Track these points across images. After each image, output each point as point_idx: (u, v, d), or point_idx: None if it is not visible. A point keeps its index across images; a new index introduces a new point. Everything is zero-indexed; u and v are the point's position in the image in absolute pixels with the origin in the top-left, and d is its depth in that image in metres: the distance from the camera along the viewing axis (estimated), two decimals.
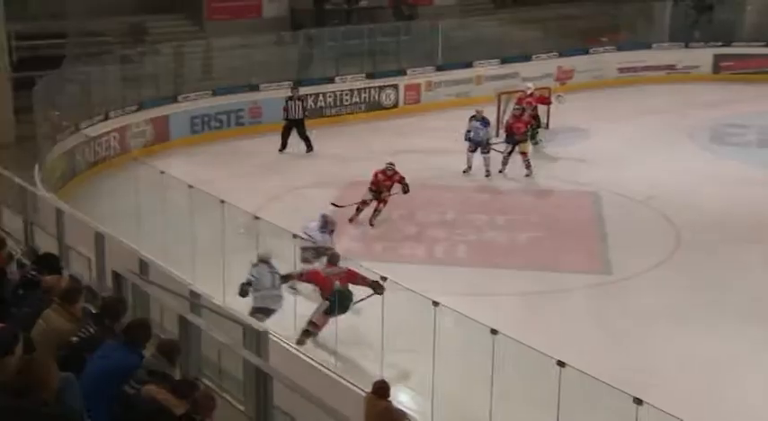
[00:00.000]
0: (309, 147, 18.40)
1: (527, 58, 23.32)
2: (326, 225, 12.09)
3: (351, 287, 10.26)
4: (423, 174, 16.86)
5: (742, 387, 9.68)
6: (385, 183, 14.60)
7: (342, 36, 21.97)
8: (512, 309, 11.52)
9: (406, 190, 14.53)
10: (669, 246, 13.47)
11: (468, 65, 22.57)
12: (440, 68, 22.32)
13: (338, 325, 10.03)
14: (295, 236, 10.41)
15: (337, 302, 10.18)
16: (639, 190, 15.73)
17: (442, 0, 25.59)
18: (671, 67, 24.79)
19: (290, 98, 18.70)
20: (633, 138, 19.27)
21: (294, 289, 10.97)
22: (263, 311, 10.36)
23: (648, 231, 14.20)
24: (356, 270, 10.46)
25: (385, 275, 9.55)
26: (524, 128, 16.90)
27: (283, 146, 18.39)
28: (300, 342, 10.12)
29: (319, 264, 10.89)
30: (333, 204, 13.62)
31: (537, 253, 13.40)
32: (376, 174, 14.55)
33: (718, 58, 24.84)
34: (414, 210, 14.95)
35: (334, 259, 10.68)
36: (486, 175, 16.70)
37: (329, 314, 10.30)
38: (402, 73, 21.89)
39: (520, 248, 13.71)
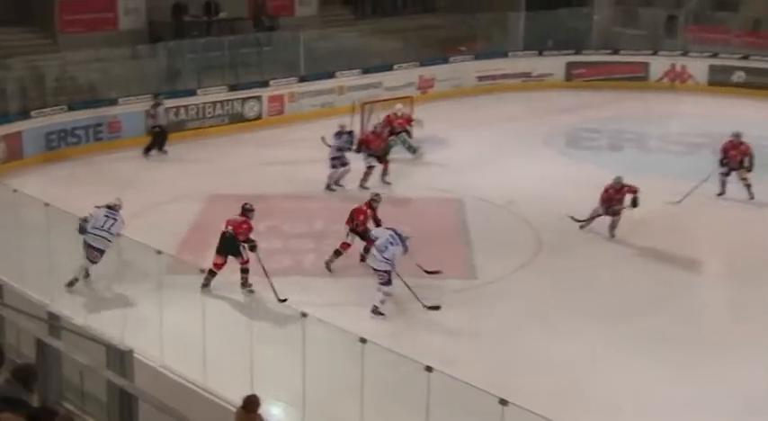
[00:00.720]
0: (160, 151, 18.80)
1: (389, 68, 23.62)
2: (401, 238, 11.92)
3: None
4: (288, 185, 16.84)
5: (603, 386, 10.00)
6: (364, 220, 13.19)
7: (202, 48, 21.70)
8: (381, 317, 11.59)
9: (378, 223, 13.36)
10: (531, 250, 13.83)
11: (331, 75, 22.70)
12: (303, 79, 22.36)
13: (207, 340, 9.86)
14: (159, 251, 10.18)
15: (222, 243, 12.14)
16: (500, 195, 16.08)
17: (303, 11, 25.49)
18: (526, 75, 25.61)
19: (157, 104, 18.88)
20: (493, 144, 19.74)
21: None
22: (87, 246, 11.85)
23: (511, 235, 14.53)
24: (247, 227, 12.21)
25: (251, 289, 9.44)
26: (382, 143, 17.09)
27: (148, 150, 18.66)
28: (205, 284, 11.64)
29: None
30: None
31: (405, 260, 13.45)
32: (362, 211, 13.18)
33: (569, 65, 25.84)
34: (280, 222, 14.84)
35: (244, 209, 12.49)
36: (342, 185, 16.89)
37: (219, 254, 12.12)
38: (265, 84, 21.80)
39: None
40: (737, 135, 16.48)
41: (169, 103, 19.96)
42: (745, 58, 25.04)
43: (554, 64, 25.76)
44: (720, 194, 16.30)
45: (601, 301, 12.13)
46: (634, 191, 14.21)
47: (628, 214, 14.66)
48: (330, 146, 16.29)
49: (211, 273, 11.92)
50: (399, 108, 18.96)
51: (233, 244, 12.12)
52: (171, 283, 10.91)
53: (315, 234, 14.54)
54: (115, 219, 12.07)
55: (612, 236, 14.28)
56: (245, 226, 12.25)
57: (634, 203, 14.28)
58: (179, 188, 16.58)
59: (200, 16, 23.20)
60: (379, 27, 25.47)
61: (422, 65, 24.26)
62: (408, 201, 16.38)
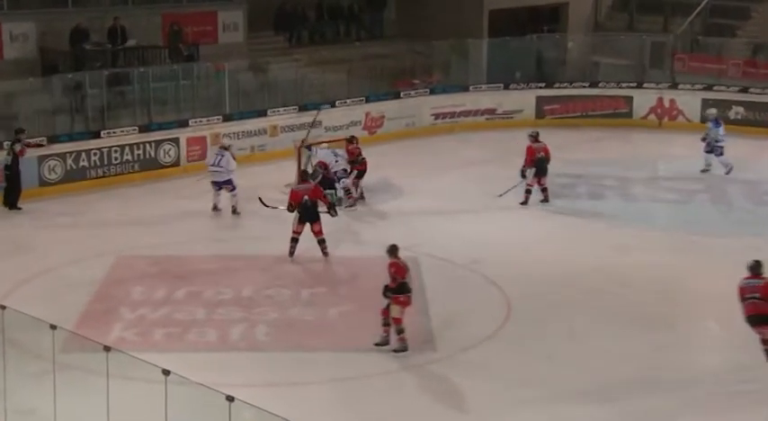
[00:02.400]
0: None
1: (330, 105, 23.72)
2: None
3: None
4: (212, 243, 16.88)
5: None
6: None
7: (107, 82, 21.60)
8: (322, 398, 11.59)
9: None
10: (498, 317, 13.86)
11: (262, 113, 22.71)
12: (228, 118, 22.36)
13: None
14: (54, 326, 10.01)
15: (303, 212, 15.68)
16: (463, 252, 16.16)
17: (228, 38, 25.63)
18: (491, 112, 25.93)
19: (18, 140, 18.54)
20: (452, 193, 19.87)
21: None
22: (213, 182, 18.06)
23: (475, 300, 14.58)
24: (320, 190, 16.13)
25: (168, 369, 9.35)
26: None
27: (14, 201, 18.49)
28: (291, 253, 15.85)
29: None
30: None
31: (349, 330, 13.52)
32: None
33: (541, 100, 26.21)
34: (202, 288, 14.79)
35: (306, 176, 17.00)
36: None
37: (301, 223, 15.76)
38: (183, 124, 21.79)
39: (330, 326, 13.79)
40: (534, 135, 19.26)
41: (68, 146, 19.94)
42: (744, 90, 25.57)
43: (523, 99, 26.10)
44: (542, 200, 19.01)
45: (583, 377, 12.16)
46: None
47: (614, 268, 14.78)
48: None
49: (294, 241, 15.70)
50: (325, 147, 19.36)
51: (314, 211, 15.71)
52: (68, 364, 10.77)
53: (243, 301, 14.46)
54: (223, 156, 18.04)
55: None
56: (318, 191, 15.96)
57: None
58: (79, 249, 16.40)
59: (103, 44, 23.15)
60: (317, 57, 25.66)
61: (368, 101, 24.48)
62: (354, 261, 16.30)
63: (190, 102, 22.53)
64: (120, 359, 10.07)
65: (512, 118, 25.94)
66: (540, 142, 19.05)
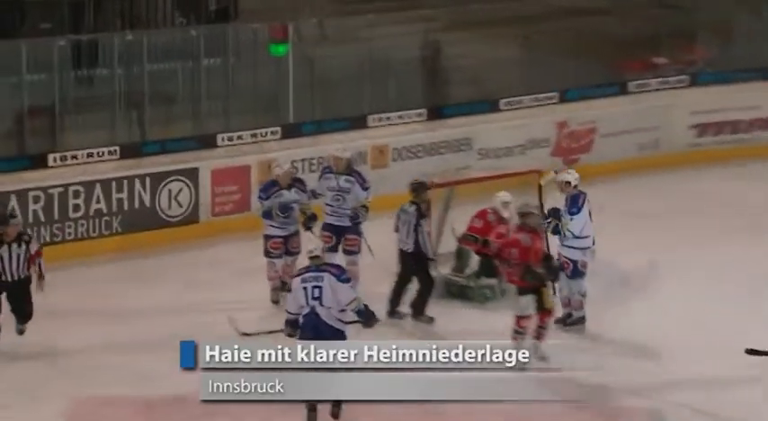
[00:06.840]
0: None
1: (491, 108, 23.98)
2: None
3: None
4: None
5: None
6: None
7: (61, 59, 20.58)
8: None
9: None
10: None
11: (358, 123, 22.53)
12: (293, 132, 22.17)
13: None
14: None
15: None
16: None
17: None
18: None
19: None
20: (731, 283, 18.82)
21: None
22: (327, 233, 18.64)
23: None
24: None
25: None
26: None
27: None
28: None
29: None
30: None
31: None
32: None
33: None
34: None
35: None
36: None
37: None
38: (207, 143, 21.46)
39: None
40: None
41: None
42: None
43: None
44: None
45: None
46: None
47: None
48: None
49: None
50: (504, 199, 18.35)
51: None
52: None
53: None
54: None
55: None
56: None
57: None
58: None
59: None
60: (464, 15, 25.46)
61: (564, 99, 24.63)
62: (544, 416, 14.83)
63: (219, 100, 21.93)
64: None
65: None
66: None
